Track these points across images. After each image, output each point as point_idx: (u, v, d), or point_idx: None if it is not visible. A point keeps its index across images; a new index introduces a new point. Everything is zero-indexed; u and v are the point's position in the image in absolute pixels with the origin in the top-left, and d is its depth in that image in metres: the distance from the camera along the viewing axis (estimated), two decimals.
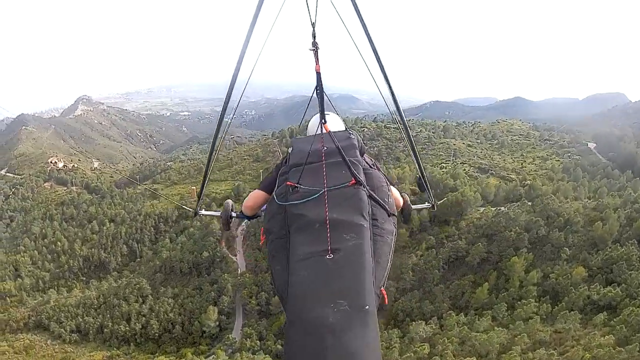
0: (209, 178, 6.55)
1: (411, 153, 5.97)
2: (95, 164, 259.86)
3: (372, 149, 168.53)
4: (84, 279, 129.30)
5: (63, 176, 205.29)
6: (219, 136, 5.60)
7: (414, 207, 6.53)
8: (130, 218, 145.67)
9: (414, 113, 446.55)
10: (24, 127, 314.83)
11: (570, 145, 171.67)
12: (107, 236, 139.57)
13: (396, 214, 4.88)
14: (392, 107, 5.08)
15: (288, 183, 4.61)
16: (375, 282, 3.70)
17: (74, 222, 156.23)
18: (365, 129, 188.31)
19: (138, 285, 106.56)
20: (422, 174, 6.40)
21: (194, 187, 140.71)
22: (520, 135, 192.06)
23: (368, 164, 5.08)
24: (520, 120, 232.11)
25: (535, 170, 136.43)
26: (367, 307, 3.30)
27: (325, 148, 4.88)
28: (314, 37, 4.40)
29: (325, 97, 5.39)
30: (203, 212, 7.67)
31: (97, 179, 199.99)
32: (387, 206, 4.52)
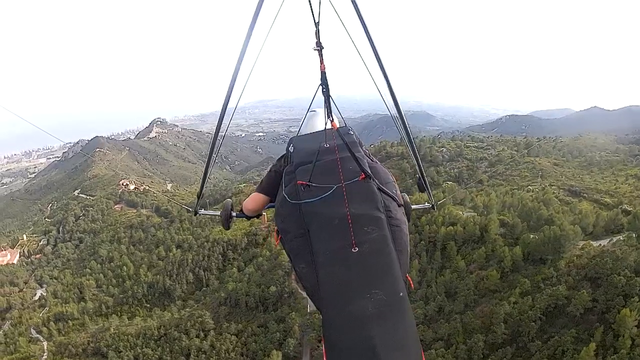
0: (208, 178, 6.60)
1: (411, 153, 5.73)
2: (168, 186, 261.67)
3: (452, 170, 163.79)
4: (148, 305, 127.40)
5: (134, 199, 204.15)
6: (219, 136, 5.52)
7: (413, 207, 6.47)
8: (198, 244, 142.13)
9: (490, 128, 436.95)
10: (98, 149, 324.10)
11: None
12: (173, 262, 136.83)
13: (404, 204, 5.01)
14: (393, 109, 4.82)
15: (299, 182, 4.65)
16: (401, 269, 3.85)
17: (141, 246, 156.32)
18: (444, 149, 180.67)
19: (200, 319, 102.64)
20: (422, 174, 6.28)
21: (265, 213, 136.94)
22: (606, 150, 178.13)
23: (369, 158, 5.20)
24: (604, 133, 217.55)
25: (630, 192, 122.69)
26: (401, 293, 3.53)
27: (327, 145, 5.13)
28: (318, 37, 4.26)
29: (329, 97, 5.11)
30: (203, 211, 7.97)
31: (168, 202, 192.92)
32: (396, 197, 4.64)
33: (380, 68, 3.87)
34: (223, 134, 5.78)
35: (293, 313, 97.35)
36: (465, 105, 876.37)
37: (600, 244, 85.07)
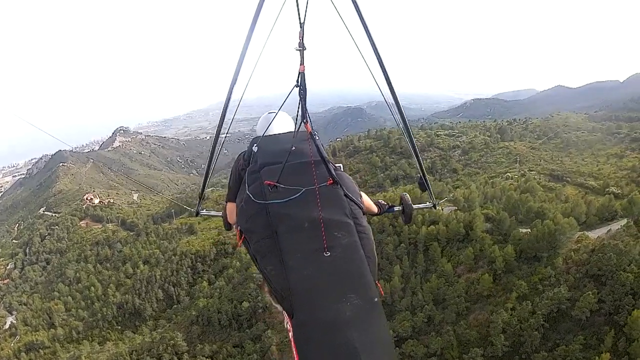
0: (209, 178, 6.55)
1: (412, 153, 5.73)
2: (135, 196, 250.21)
3: (424, 161, 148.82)
4: (119, 327, 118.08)
5: (99, 213, 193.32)
6: (220, 137, 5.60)
7: (415, 206, 6.38)
8: (165, 259, 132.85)
9: (456, 113, 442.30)
10: (61, 163, 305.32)
11: None
12: (141, 280, 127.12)
13: (395, 208, 5.59)
14: (393, 109, 4.97)
15: (267, 182, 4.51)
16: (372, 275, 3.84)
17: (108, 264, 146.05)
18: (414, 139, 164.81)
19: (172, 342, 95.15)
20: (423, 173, 6.17)
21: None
22: (580, 129, 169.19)
23: (333, 165, 5.00)
24: (574, 111, 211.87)
25: (615, 173, 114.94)
26: (375, 299, 3.55)
27: (294, 147, 4.87)
28: (302, 37, 4.17)
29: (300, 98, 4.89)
30: (204, 212, 7.69)
31: (134, 214, 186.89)
32: (361, 205, 4.60)
33: (380, 65, 3.93)
34: (224, 135, 5.75)
35: (269, 331, 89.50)
36: (428, 92, 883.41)
37: (597, 236, 75.51)
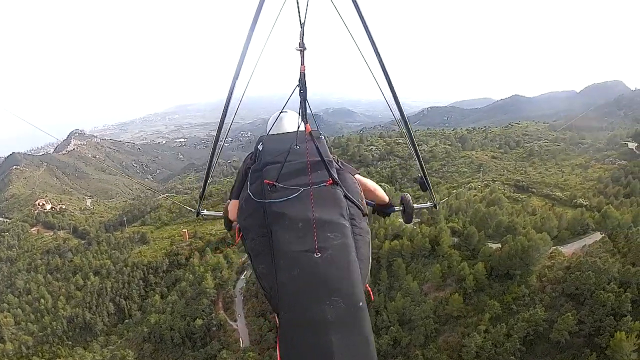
0: (210, 179, 6.45)
1: (413, 153, 5.53)
2: (88, 202, 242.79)
3: (384, 170, 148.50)
4: (70, 343, 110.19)
5: (50, 219, 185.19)
6: (220, 137, 5.40)
7: (416, 206, 6.10)
8: (117, 270, 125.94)
9: (413, 121, 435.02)
10: (15, 166, 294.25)
11: (608, 147, 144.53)
12: (92, 292, 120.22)
13: (368, 213, 4.83)
14: (395, 110, 4.87)
15: (266, 181, 4.38)
16: (362, 279, 3.66)
17: (59, 274, 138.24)
18: (373, 147, 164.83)
19: None
20: (424, 174, 6.01)
21: (186, 230, 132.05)
22: (541, 138, 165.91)
23: (338, 165, 4.92)
24: (534, 120, 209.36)
25: (581, 184, 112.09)
26: (360, 303, 3.36)
27: (298, 147, 4.80)
28: (302, 37, 4.10)
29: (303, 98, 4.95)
30: (205, 212, 7.47)
31: (86, 221, 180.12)
32: (362, 206, 4.40)
33: (382, 69, 3.92)
34: (224, 135, 5.53)
35: (224, 351, 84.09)
36: (384, 100, 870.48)
37: (571, 251, 71.00)
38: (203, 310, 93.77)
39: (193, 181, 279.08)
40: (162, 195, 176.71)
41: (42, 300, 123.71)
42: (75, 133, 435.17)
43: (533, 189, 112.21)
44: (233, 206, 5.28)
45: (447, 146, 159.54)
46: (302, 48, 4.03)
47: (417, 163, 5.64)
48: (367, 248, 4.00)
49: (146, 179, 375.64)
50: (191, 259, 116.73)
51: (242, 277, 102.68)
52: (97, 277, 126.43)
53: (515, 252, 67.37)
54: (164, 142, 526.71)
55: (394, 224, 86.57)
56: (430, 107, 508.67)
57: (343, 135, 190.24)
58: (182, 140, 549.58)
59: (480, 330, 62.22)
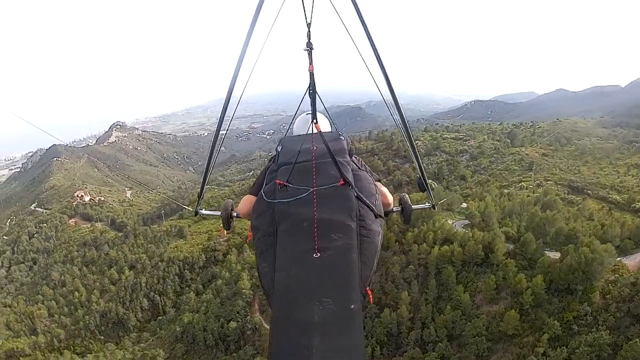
0: (209, 178, 6.33)
1: (411, 153, 5.41)
2: (128, 193, 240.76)
3: (430, 166, 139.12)
4: (102, 337, 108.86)
5: (89, 211, 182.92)
6: (219, 137, 5.43)
7: (414, 207, 5.92)
8: (152, 265, 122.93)
9: (456, 115, 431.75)
10: (55, 158, 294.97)
11: None
12: (126, 287, 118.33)
13: (383, 215, 4.72)
14: (393, 109, 4.76)
15: (277, 181, 4.41)
16: (361, 281, 3.65)
17: (94, 267, 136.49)
18: (419, 142, 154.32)
19: None
20: (422, 174, 5.91)
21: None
22: (590, 134, 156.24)
23: (357, 166, 4.95)
24: (584, 117, 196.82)
25: (638, 185, 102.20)
26: (352, 306, 3.32)
27: (315, 148, 4.64)
28: (309, 37, 4.28)
29: (317, 98, 5.33)
30: (203, 211, 7.07)
31: (124, 214, 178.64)
32: (374, 207, 4.33)
33: (380, 66, 3.82)
34: (224, 133, 5.70)
35: (258, 357, 78.66)
36: (428, 93, 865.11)
37: (635, 264, 62.74)
38: (238, 312, 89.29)
39: (234, 173, 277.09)
40: (129, 192, 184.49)
41: (76, 293, 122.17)
42: (116, 125, 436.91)
43: (588, 191, 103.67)
44: (246, 200, 5.14)
45: (496, 142, 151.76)
46: (309, 48, 4.07)
47: (415, 163, 5.51)
48: (373, 250, 3.91)
49: (187, 171, 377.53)
50: (228, 256, 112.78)
51: None
52: (132, 272, 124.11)
53: (577, 264, 59.47)
54: (205, 134, 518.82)
55: (443, 227, 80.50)
56: (474, 101, 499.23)
57: (387, 130, 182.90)
58: (223, 132, 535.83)
59: (538, 352, 54.94)
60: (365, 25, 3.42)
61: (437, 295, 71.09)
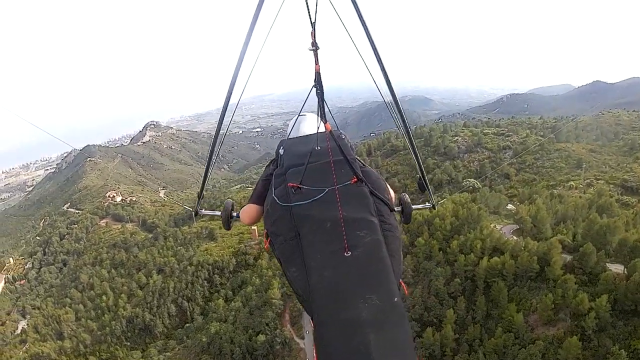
0: (209, 178, 6.34)
1: (411, 152, 5.39)
2: (161, 193, 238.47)
3: (471, 163, 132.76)
4: (128, 344, 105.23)
5: (120, 212, 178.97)
6: (220, 137, 5.16)
7: (414, 207, 5.91)
8: (180, 269, 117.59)
9: (492, 109, 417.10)
10: (89, 158, 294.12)
11: None
12: (153, 292, 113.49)
13: (395, 209, 4.91)
14: (392, 106, 4.56)
15: (290, 184, 4.40)
16: (394, 275, 3.65)
17: (123, 270, 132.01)
18: (459, 138, 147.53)
19: None
20: (422, 174, 5.92)
21: (255, 227, 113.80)
22: (635, 128, 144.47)
23: (361, 162, 4.96)
24: (626, 109, 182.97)
25: None
26: (395, 299, 3.34)
27: (319, 148, 4.85)
28: (314, 37, 3.93)
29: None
30: (203, 211, 7.17)
31: (155, 214, 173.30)
32: (389, 202, 4.42)
33: (378, 60, 3.67)
34: (224, 132, 5.29)
35: None
36: (462, 87, 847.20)
37: None
38: (267, 324, 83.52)
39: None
40: (162, 192, 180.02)
41: (103, 297, 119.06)
42: (150, 124, 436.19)
43: None
44: (248, 210, 5.11)
45: (540, 137, 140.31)
46: (314, 48, 3.87)
47: (416, 162, 5.50)
48: (397, 243, 3.95)
49: (222, 169, 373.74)
50: (259, 260, 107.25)
51: None
52: (160, 276, 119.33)
53: None
54: (240, 132, 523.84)
55: (492, 235, 71.88)
56: (510, 94, 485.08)
57: (425, 125, 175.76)
58: (258, 130, 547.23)
59: None
60: (364, 22, 3.30)
61: (485, 313, 62.70)
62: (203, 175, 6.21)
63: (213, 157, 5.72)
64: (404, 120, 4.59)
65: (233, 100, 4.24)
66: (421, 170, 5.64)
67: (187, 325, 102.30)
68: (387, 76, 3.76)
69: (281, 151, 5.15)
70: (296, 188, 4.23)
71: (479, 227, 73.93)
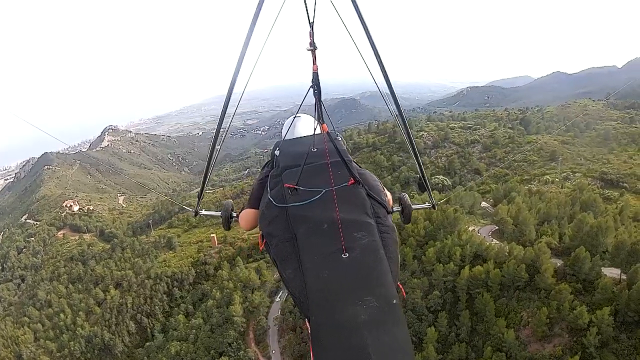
0: (209, 178, 6.04)
1: (411, 152, 5.08)
2: (120, 199, 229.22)
3: (439, 159, 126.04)
4: None
5: (77, 222, 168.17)
6: (220, 136, 5.06)
7: (414, 207, 5.67)
8: (138, 283, 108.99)
9: (453, 102, 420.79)
10: (47, 166, 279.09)
11: None
12: (111, 308, 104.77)
13: (392, 211, 4.75)
14: (392, 106, 4.49)
15: (286, 185, 4.25)
16: (392, 277, 3.56)
17: (81, 285, 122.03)
18: (424, 133, 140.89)
19: None
20: (422, 174, 5.55)
21: (214, 234, 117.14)
22: (602, 117, 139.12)
23: (357, 164, 4.87)
24: (592, 99, 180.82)
25: None
26: (394, 301, 3.26)
27: (316, 149, 4.75)
28: (312, 37, 4.05)
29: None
30: (203, 212, 6.85)
31: (113, 223, 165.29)
32: (385, 204, 4.28)
33: (379, 62, 3.60)
34: (224, 133, 5.45)
35: None
36: (422, 81, 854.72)
37: None
38: (230, 344, 76.46)
39: (229, 172, 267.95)
40: (121, 198, 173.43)
41: (61, 315, 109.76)
42: (109, 129, 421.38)
43: (624, 184, 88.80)
44: (245, 215, 4.98)
45: (509, 129, 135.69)
46: (312, 48, 3.95)
47: (415, 161, 5.13)
48: (394, 245, 3.85)
49: (182, 172, 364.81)
50: (220, 271, 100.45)
51: (277, 298, 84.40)
52: (117, 290, 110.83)
53: None
54: (200, 133, 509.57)
55: (472, 240, 63.97)
56: (470, 87, 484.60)
57: (388, 121, 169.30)
58: (224, 131, 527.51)
59: None
60: (360, 14, 3.22)
61: (470, 329, 54.68)
62: (203, 176, 5.79)
63: (213, 158, 5.40)
64: (402, 117, 4.33)
65: (233, 101, 4.10)
66: (421, 169, 5.23)
67: (148, 344, 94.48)
68: (387, 75, 3.62)
69: (277, 152, 5.01)
70: (292, 189, 4.08)
71: (456, 232, 66.51)
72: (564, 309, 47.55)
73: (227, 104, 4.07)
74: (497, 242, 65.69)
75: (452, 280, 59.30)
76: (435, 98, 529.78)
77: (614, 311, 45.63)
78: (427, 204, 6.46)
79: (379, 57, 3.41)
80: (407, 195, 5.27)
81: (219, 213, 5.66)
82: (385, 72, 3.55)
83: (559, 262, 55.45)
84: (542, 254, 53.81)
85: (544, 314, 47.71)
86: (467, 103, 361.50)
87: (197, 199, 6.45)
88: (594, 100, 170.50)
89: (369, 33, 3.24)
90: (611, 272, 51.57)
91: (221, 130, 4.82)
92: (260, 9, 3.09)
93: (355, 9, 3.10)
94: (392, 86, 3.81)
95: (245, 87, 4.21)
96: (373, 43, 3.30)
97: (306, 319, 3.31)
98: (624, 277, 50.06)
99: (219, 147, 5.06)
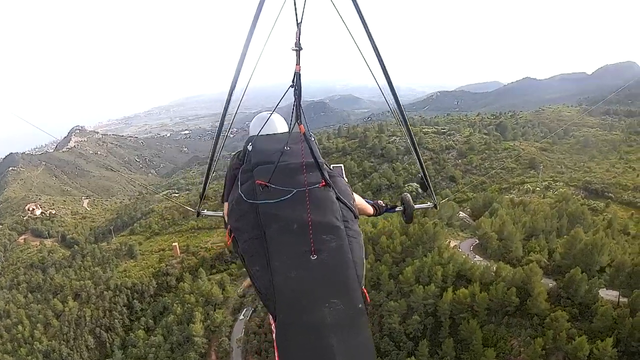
0: (210, 178, 6.02)
1: (413, 152, 5.22)
2: (85, 203, 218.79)
3: (412, 166, 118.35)
4: None
5: (39, 227, 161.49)
6: (221, 136, 5.12)
7: (416, 206, 6.01)
8: (97, 294, 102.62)
9: (422, 106, 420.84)
10: (11, 167, 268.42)
11: None
12: (69, 321, 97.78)
13: (397, 209, 5.37)
14: (393, 105, 4.54)
15: (258, 181, 4.15)
16: (358, 281, 3.60)
17: (40, 295, 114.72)
18: (396, 138, 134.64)
19: None
20: (424, 173, 5.70)
21: (177, 243, 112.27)
22: (578, 124, 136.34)
23: (328, 167, 4.77)
24: (566, 105, 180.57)
25: None
26: (359, 305, 3.34)
27: (289, 148, 4.49)
28: (298, 37, 3.90)
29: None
30: (206, 212, 6.99)
31: (75, 228, 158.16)
32: (354, 209, 4.26)
33: (380, 63, 3.65)
34: (225, 134, 5.30)
35: None
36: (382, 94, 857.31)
37: None
38: None
39: (196, 175, 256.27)
40: (160, 194, 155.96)
41: (19, 327, 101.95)
42: (75, 130, 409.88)
43: (610, 194, 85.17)
44: (226, 209, 4.82)
45: (485, 135, 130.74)
46: (298, 48, 3.81)
47: (417, 160, 5.26)
48: (360, 250, 3.80)
49: (149, 174, 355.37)
50: (181, 283, 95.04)
51: (241, 316, 77.30)
52: (76, 302, 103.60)
53: None
54: (168, 134, 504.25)
55: (455, 259, 57.02)
56: (439, 92, 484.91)
57: (358, 125, 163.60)
58: (186, 132, 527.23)
59: None
60: (361, 13, 3.21)
61: (455, 358, 47.87)
62: (205, 177, 5.78)
63: (215, 158, 5.43)
64: (404, 119, 4.48)
65: (233, 101, 4.19)
66: (423, 170, 5.40)
67: None
68: (390, 79, 3.74)
69: (249, 147, 4.72)
70: (264, 186, 3.97)
71: (436, 248, 59.85)
72: (561, 339, 41.11)
73: (227, 106, 4.09)
74: (481, 259, 59.69)
75: (433, 303, 52.43)
76: (404, 102, 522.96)
77: (616, 340, 39.53)
78: (429, 204, 6.48)
79: (379, 55, 3.42)
80: (409, 195, 5.54)
81: (220, 213, 5.50)
82: (385, 69, 3.56)
83: (550, 283, 49.57)
84: (533, 275, 47.52)
85: (539, 344, 41.36)
86: (436, 107, 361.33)
87: (199, 200, 6.45)
88: (568, 106, 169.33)
89: (368, 30, 3.25)
90: (607, 294, 45.99)
91: (221, 130, 4.77)
92: (260, 10, 3.06)
93: (356, 8, 3.11)
94: (393, 86, 3.82)
95: (246, 88, 4.15)
96: (373, 41, 3.31)
97: (271, 317, 3.31)
98: (622, 299, 44.17)
99: (220, 147, 4.97)
